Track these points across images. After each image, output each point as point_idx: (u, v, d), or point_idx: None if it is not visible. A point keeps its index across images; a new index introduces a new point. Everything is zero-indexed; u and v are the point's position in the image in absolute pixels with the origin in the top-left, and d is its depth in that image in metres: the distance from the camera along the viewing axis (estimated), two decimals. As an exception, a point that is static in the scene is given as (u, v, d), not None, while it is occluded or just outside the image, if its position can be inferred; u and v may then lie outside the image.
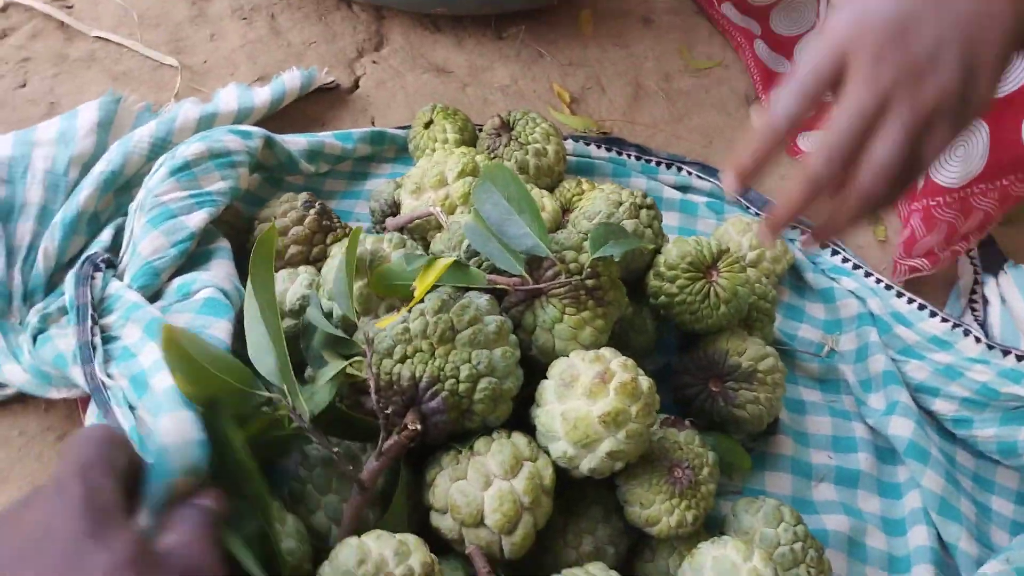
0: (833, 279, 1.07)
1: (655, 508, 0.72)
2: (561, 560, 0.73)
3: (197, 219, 0.83)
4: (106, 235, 0.87)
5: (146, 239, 0.80)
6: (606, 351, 0.72)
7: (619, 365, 0.70)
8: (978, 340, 0.94)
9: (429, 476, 0.70)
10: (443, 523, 0.69)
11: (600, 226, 0.77)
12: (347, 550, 0.60)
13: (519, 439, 0.70)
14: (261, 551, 0.60)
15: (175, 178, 0.84)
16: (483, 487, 0.67)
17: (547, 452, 0.71)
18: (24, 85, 1.17)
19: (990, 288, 1.06)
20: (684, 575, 0.71)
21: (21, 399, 0.85)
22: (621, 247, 0.76)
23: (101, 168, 0.88)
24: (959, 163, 0.99)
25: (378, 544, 0.60)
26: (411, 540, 0.62)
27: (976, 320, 1.04)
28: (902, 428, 0.89)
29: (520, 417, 0.74)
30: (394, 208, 0.96)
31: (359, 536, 0.62)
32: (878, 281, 1.05)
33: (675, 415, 0.84)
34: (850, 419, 0.95)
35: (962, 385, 0.91)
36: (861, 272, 1.06)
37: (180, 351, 0.62)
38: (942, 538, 0.83)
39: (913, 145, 0.55)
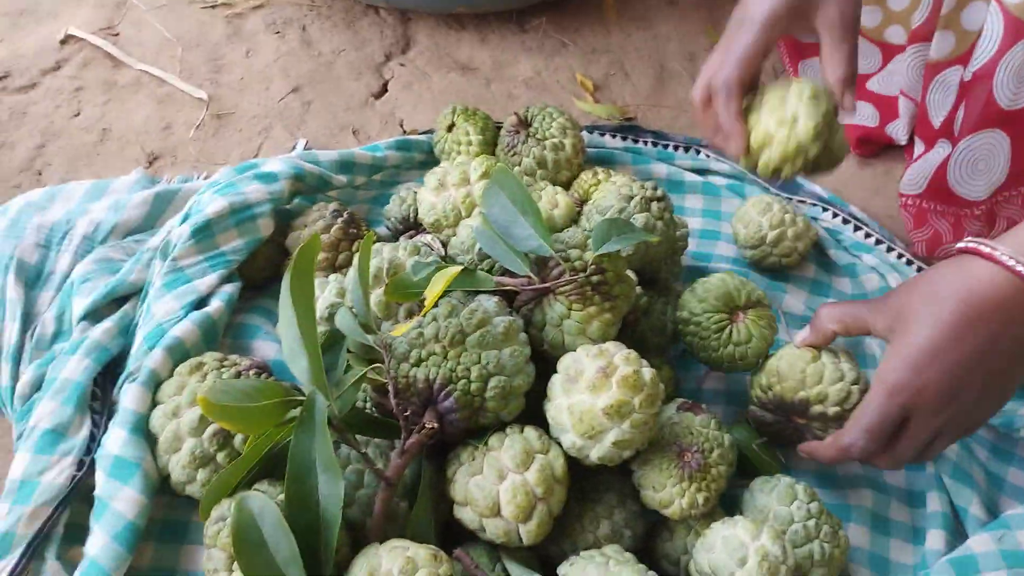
0: (855, 256, 1.07)
1: (667, 491, 0.76)
2: (580, 544, 0.77)
3: (207, 282, 0.90)
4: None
5: (160, 302, 0.88)
6: (610, 345, 0.75)
7: (622, 359, 0.73)
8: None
9: (449, 472, 0.75)
10: (464, 515, 0.74)
11: (603, 223, 0.80)
12: (361, 562, 0.66)
13: (531, 433, 0.74)
14: (314, 543, 0.67)
15: (195, 240, 0.91)
16: (498, 480, 0.71)
17: (559, 443, 0.75)
18: (78, 114, 1.25)
19: None
20: (696, 554, 0.75)
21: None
22: (624, 242, 0.79)
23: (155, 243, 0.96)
24: (982, 176, 0.99)
25: (389, 558, 0.65)
26: (422, 555, 0.66)
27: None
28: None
29: (537, 411, 0.78)
30: (406, 224, 1.01)
31: (380, 543, 0.68)
32: (899, 256, 1.05)
33: (693, 400, 0.86)
34: (875, 394, 0.95)
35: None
36: (883, 247, 1.06)
37: (218, 409, 0.68)
38: (954, 504, 0.84)
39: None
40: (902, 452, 0.74)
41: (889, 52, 1.29)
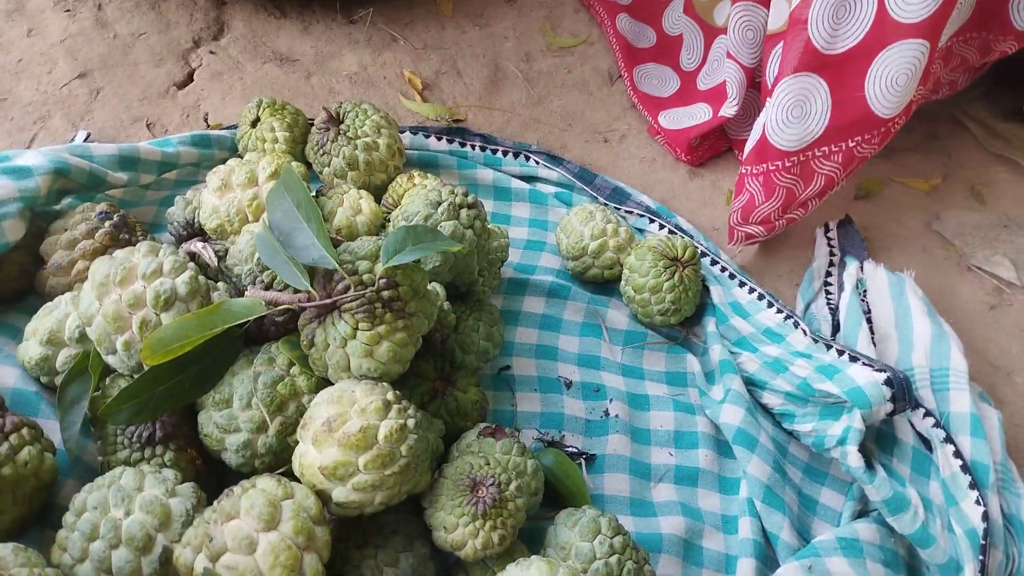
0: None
1: (459, 532, 0.68)
2: (363, 595, 0.68)
3: None
4: None
5: None
6: (362, 387, 0.66)
7: (359, 410, 0.64)
8: (805, 333, 0.92)
9: (182, 560, 0.61)
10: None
11: (399, 230, 0.72)
12: None
13: (264, 482, 0.64)
14: None
15: None
16: (250, 550, 0.60)
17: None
18: None
19: (848, 273, 1.03)
20: (489, 601, 0.68)
21: None
22: (421, 252, 0.71)
23: None
24: (795, 124, 0.96)
25: None
26: None
27: (829, 305, 1.02)
28: (732, 416, 0.87)
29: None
30: (189, 229, 0.89)
31: None
32: (723, 270, 1.02)
33: (498, 424, 0.79)
34: (694, 413, 0.92)
35: (786, 379, 0.88)
36: (708, 260, 1.03)
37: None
38: (766, 530, 0.81)
39: None
40: None
41: (711, 35, 1.27)
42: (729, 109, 1.18)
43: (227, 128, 1.09)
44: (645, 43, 1.36)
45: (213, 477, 0.75)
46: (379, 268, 0.70)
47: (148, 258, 0.71)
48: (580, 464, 0.85)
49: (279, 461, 0.71)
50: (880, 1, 0.89)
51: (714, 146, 1.24)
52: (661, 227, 1.07)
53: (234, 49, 1.25)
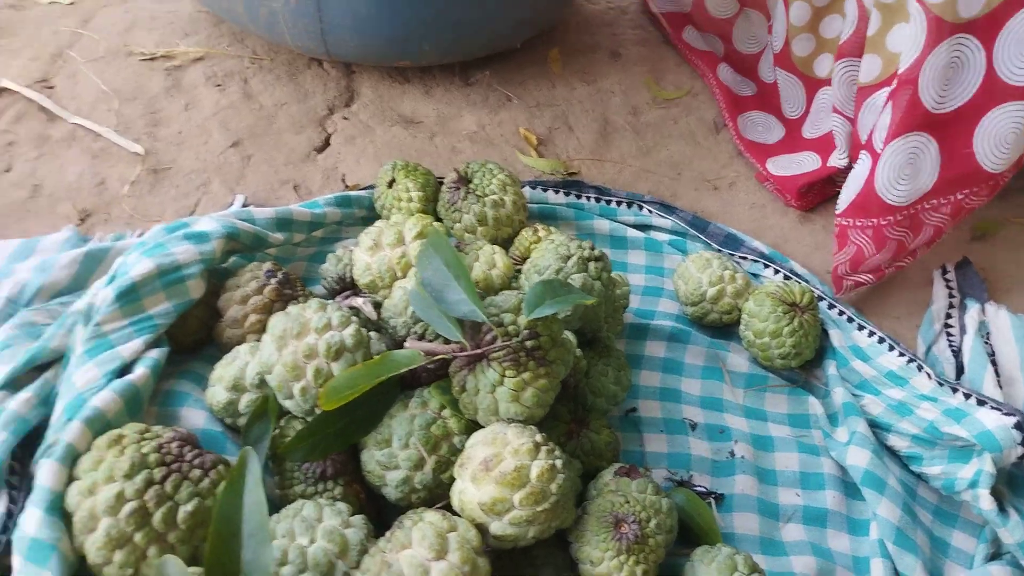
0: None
1: (604, 566, 0.73)
2: (518, 622, 0.74)
3: (132, 348, 0.86)
4: None
5: (80, 370, 0.83)
6: (514, 430, 0.73)
7: (512, 451, 0.71)
8: (930, 376, 0.94)
9: None
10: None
11: (537, 286, 0.78)
12: None
13: (430, 515, 0.70)
14: None
15: (119, 304, 0.86)
16: None
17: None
18: (9, 170, 1.21)
19: (970, 316, 1.05)
20: (634, 632, 0.72)
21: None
22: (558, 305, 0.77)
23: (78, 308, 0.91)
24: (907, 182, 0.99)
25: None
26: None
27: (951, 347, 1.03)
28: (859, 458, 0.88)
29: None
30: (341, 284, 0.99)
31: None
32: (840, 313, 1.05)
33: (632, 464, 0.84)
34: (819, 454, 0.94)
35: (912, 422, 0.90)
36: (825, 304, 1.06)
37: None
38: (898, 571, 0.82)
39: None
40: None
41: (812, 87, 1.31)
42: (839, 161, 1.21)
43: (364, 188, 1.19)
44: (748, 91, 1.41)
45: (373, 510, 0.83)
46: (522, 320, 0.77)
47: (319, 313, 0.80)
48: (710, 503, 0.89)
49: (433, 496, 0.78)
50: (989, 63, 0.91)
51: (823, 191, 1.27)
52: (776, 272, 1.11)
53: (364, 114, 1.36)
